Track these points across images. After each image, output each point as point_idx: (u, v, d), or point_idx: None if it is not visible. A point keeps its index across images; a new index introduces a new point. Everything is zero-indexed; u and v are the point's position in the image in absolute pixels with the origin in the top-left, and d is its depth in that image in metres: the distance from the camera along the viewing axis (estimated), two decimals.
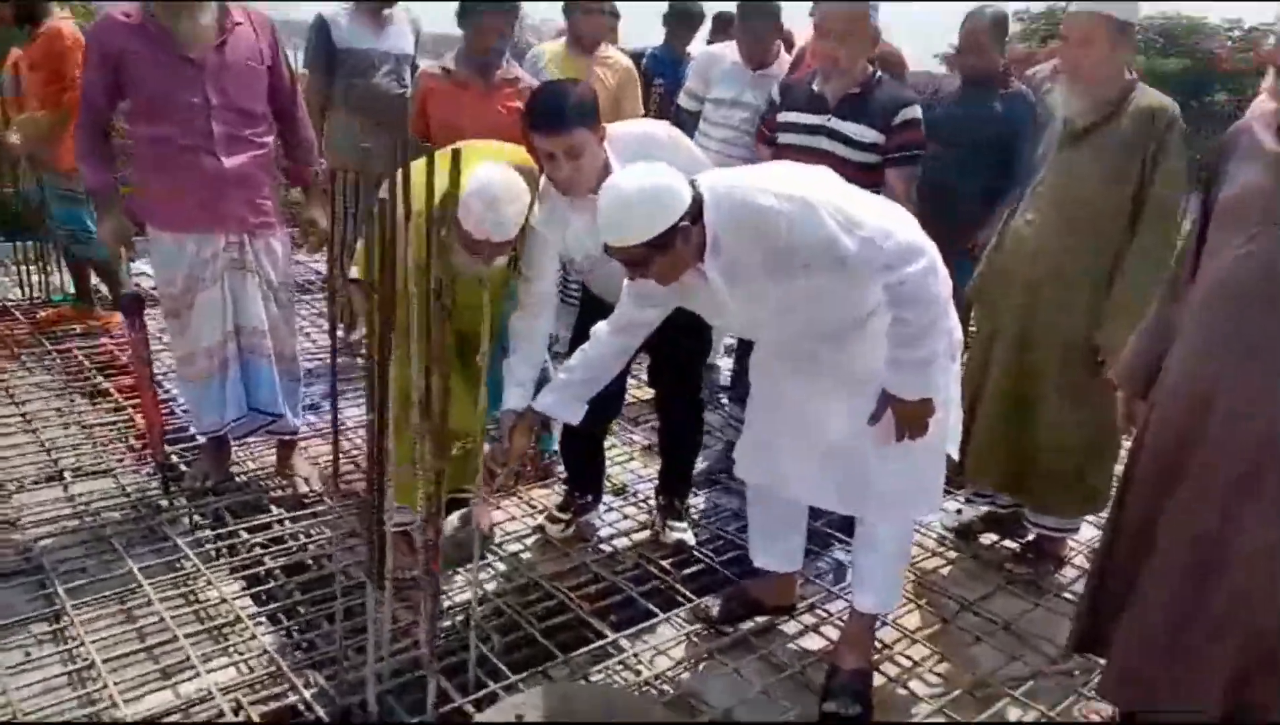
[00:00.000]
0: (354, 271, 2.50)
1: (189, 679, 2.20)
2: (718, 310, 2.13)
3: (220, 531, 2.83)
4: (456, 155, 2.11)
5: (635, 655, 2.38)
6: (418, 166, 2.06)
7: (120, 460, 3.25)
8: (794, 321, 2.11)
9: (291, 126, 2.93)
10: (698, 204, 1.92)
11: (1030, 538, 2.98)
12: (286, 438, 3.10)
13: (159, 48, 2.60)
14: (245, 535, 2.82)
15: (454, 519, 2.80)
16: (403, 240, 1.85)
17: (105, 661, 2.22)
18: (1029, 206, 2.63)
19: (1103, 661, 2.18)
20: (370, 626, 2.03)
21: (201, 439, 3.20)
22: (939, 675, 2.41)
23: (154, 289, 3.18)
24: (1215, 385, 1.76)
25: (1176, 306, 1.92)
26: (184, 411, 3.47)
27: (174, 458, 3.18)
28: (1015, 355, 2.66)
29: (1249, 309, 1.71)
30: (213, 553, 2.74)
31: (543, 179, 2.44)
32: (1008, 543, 3.06)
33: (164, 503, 2.95)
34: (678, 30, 4.50)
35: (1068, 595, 2.79)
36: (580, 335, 2.75)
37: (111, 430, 3.48)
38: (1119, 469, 2.35)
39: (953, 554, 3.00)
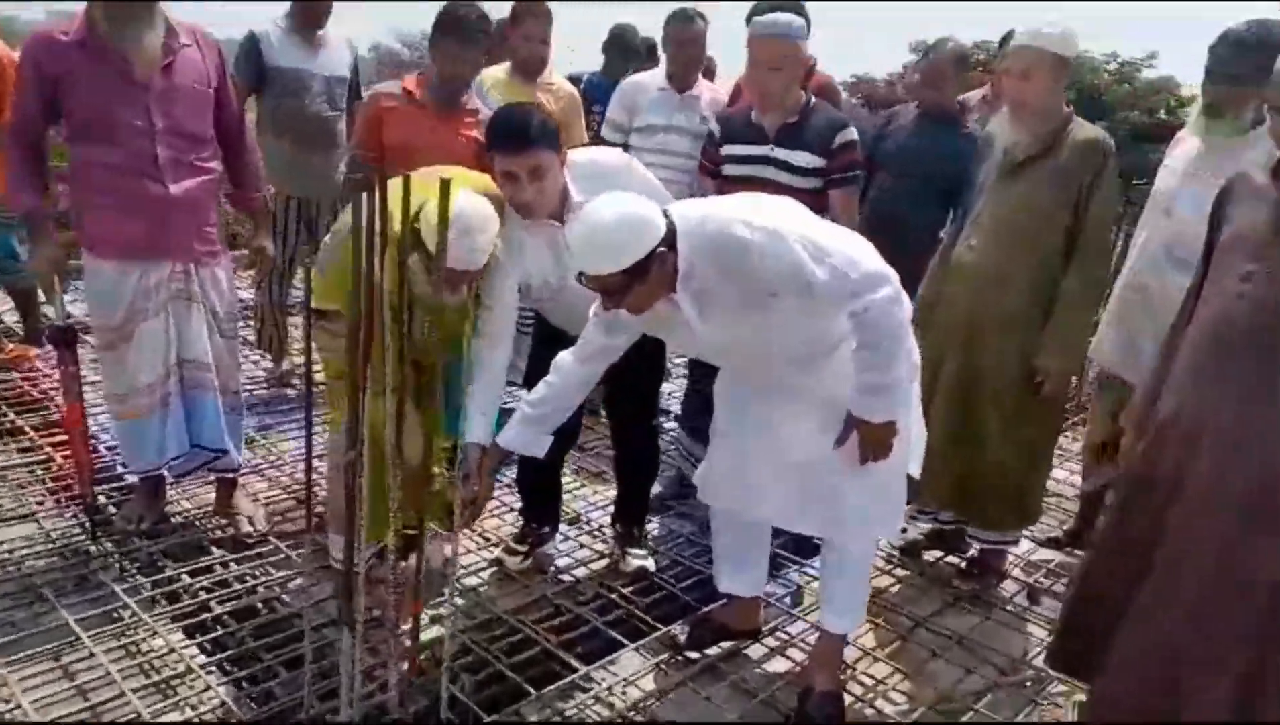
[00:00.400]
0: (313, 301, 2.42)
1: None
2: (687, 338, 2.15)
3: (159, 577, 2.69)
4: (407, 181, 2.08)
5: (608, 688, 2.36)
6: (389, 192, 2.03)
7: (40, 503, 3.06)
8: (763, 348, 2.14)
9: (238, 151, 2.82)
10: (671, 232, 1.95)
11: (973, 553, 3.09)
12: (228, 475, 2.97)
13: (101, 67, 2.47)
14: (187, 579, 2.69)
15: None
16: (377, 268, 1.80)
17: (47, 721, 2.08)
18: (970, 234, 2.73)
19: (1058, 675, 2.29)
20: (344, 671, 1.95)
21: (132, 479, 3.04)
22: (902, 693, 2.46)
23: (85, 320, 3.02)
24: (1203, 423, 1.80)
25: (1177, 349, 1.96)
26: (111, 450, 3.29)
27: (101, 499, 3.01)
28: (959, 379, 2.75)
29: (1240, 349, 1.76)
30: (152, 600, 2.60)
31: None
32: (950, 559, 3.16)
33: (93, 548, 2.79)
34: (616, 58, 4.53)
35: (1010, 608, 2.90)
36: (536, 366, 2.74)
37: (28, 472, 3.28)
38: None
39: (900, 572, 3.08)
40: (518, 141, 2.25)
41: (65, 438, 3.50)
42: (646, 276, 1.91)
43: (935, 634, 2.72)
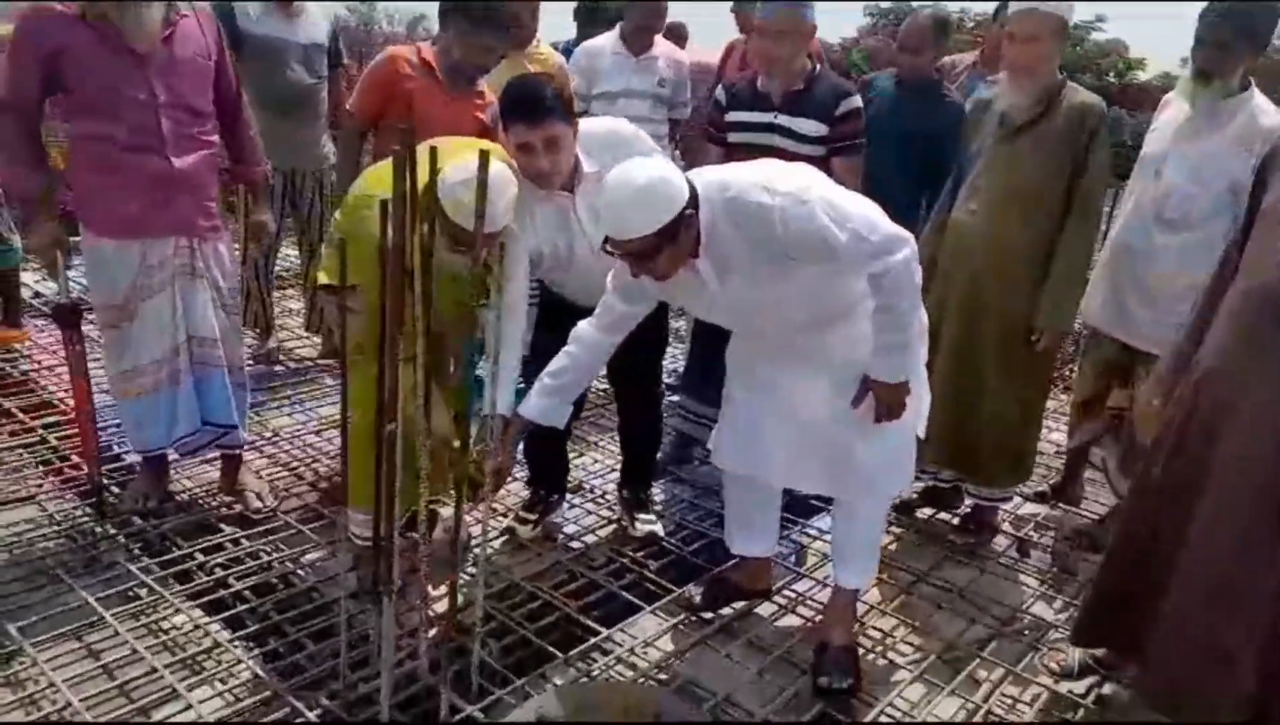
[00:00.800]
0: (322, 277, 2.42)
1: (181, 712, 2.09)
2: (706, 303, 2.19)
3: (172, 556, 2.68)
4: (434, 151, 2.09)
5: (629, 650, 2.42)
6: (383, 167, 2.01)
7: (39, 486, 3.03)
8: (779, 311, 2.18)
9: (237, 125, 2.78)
10: (694, 196, 1.98)
11: (966, 509, 3.19)
12: (234, 452, 2.96)
13: (101, 41, 2.41)
14: (200, 558, 2.69)
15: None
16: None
17: (82, 700, 2.09)
18: (969, 197, 2.80)
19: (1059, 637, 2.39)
20: (383, 639, 1.99)
21: (134, 459, 3.01)
22: (910, 644, 2.56)
23: (84, 297, 2.97)
24: (1240, 390, 1.85)
25: (1210, 313, 2.00)
26: (106, 431, 3.25)
27: (104, 480, 2.99)
28: (960, 340, 2.83)
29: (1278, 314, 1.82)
30: (167, 579, 2.59)
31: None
32: (943, 515, 3.27)
33: (98, 530, 2.77)
34: (588, 25, 4.51)
35: (1003, 561, 3.01)
36: (541, 338, 2.77)
37: (20, 455, 3.23)
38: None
39: (897, 529, 3.18)
40: (534, 113, 2.26)
41: (56, 419, 3.47)
42: (676, 240, 1.94)
43: (936, 588, 2.82)
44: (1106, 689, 2.35)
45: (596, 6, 4.54)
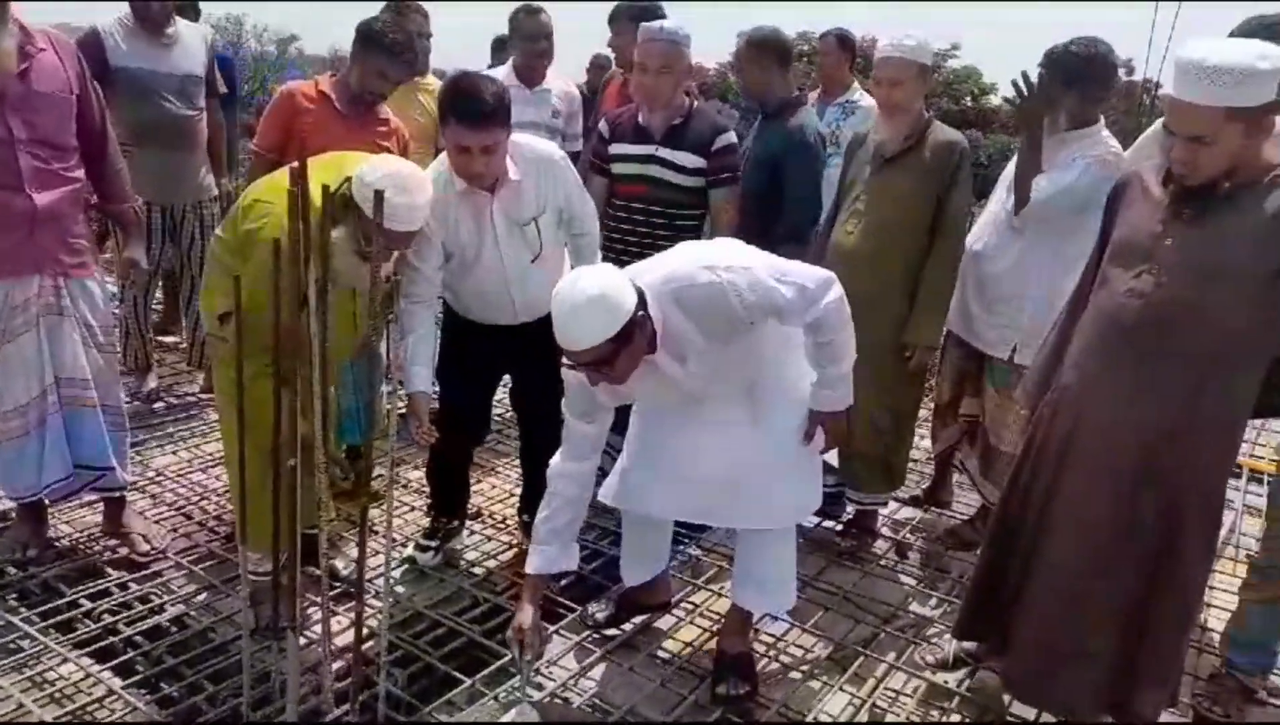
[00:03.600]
0: (217, 306, 2.37)
1: None
2: (665, 390, 2.24)
3: (57, 603, 2.59)
4: (339, 160, 2.14)
5: (536, 670, 2.47)
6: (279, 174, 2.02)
7: None
8: (730, 374, 2.27)
9: (104, 161, 2.70)
10: (642, 297, 2.02)
11: (849, 515, 3.38)
12: (114, 494, 2.87)
13: None
14: (87, 604, 2.60)
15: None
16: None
17: None
18: (846, 221, 3.02)
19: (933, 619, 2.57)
20: (290, 672, 1.99)
21: (9, 505, 2.89)
22: (800, 646, 2.70)
23: None
24: (1090, 401, 2.06)
25: (1069, 332, 2.21)
26: None
27: None
28: None
29: (1126, 340, 2.01)
30: (52, 627, 2.50)
31: (432, 167, 2.54)
32: (827, 523, 3.45)
33: None
34: (498, 54, 4.59)
35: (883, 563, 3.21)
36: (446, 365, 2.83)
37: None
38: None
39: None
40: (481, 119, 2.33)
41: None
42: (631, 341, 1.97)
43: (822, 590, 2.99)
44: (978, 678, 2.55)
45: (506, 39, 4.62)
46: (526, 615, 2.32)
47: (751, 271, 2.08)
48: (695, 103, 3.14)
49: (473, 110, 2.32)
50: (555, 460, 2.38)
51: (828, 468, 3.12)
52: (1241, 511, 3.69)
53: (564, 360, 2.05)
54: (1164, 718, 2.20)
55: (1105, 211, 2.21)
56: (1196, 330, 1.94)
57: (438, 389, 2.88)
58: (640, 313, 1.98)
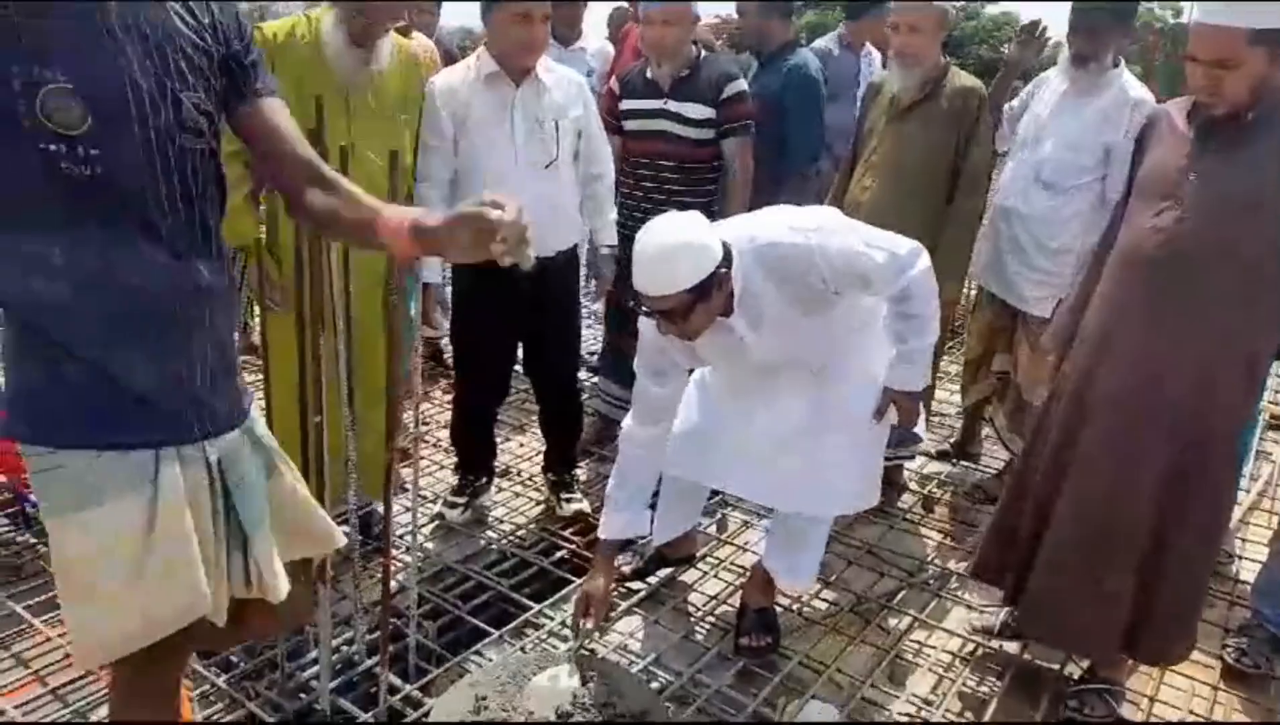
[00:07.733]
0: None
1: None
2: (737, 357, 2.19)
3: None
4: None
5: (561, 623, 2.52)
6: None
7: None
8: (804, 349, 2.22)
9: None
10: (728, 253, 1.98)
11: None
12: None
13: None
14: None
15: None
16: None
17: (17, 707, 2.10)
18: (864, 174, 2.98)
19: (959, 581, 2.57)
20: (322, 624, 2.05)
21: None
22: (824, 599, 2.72)
23: None
24: (1113, 338, 2.04)
25: (1096, 276, 2.17)
26: None
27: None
28: None
29: (1151, 275, 1.99)
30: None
31: (474, 56, 2.66)
32: None
33: (21, 539, 2.74)
34: None
35: (909, 518, 3.21)
36: (461, 324, 2.86)
37: None
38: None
39: None
40: None
41: None
42: (709, 297, 1.93)
43: (847, 545, 3.00)
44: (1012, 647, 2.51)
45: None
46: (598, 585, 2.34)
47: (841, 235, 2.03)
48: (703, 53, 3.10)
49: None
50: (627, 422, 2.38)
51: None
52: None
53: (640, 306, 2.00)
54: (1190, 670, 2.20)
55: (1134, 150, 2.17)
56: (1219, 266, 1.92)
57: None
58: (724, 270, 1.94)
